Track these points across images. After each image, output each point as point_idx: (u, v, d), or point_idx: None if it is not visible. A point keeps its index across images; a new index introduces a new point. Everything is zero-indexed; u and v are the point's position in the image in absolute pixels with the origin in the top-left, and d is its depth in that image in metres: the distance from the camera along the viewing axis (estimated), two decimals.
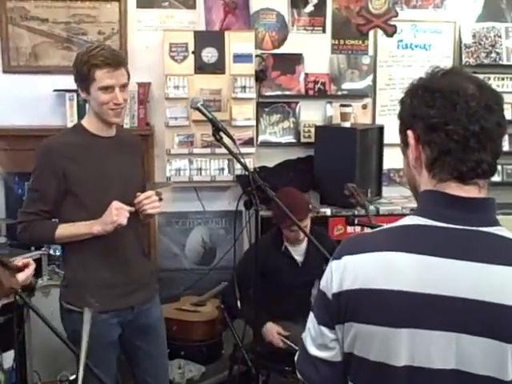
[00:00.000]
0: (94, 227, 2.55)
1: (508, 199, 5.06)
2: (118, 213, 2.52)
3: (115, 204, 2.54)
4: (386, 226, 1.38)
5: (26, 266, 2.20)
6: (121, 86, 2.55)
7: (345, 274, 1.31)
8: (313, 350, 1.38)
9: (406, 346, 1.24)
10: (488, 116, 1.25)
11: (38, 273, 3.47)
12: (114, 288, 2.64)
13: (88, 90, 2.54)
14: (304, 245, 3.59)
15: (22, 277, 2.18)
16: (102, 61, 2.48)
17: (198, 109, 2.65)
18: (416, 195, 1.38)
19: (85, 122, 2.68)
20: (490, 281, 1.22)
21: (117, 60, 2.53)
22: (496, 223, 1.29)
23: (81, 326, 2.59)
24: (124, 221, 2.53)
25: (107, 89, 2.52)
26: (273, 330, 3.38)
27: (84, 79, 2.52)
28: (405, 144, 1.34)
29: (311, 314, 1.41)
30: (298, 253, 3.59)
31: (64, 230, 2.58)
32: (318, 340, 1.37)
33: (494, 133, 1.26)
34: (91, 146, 2.63)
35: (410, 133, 1.31)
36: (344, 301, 1.31)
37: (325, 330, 1.35)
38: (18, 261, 2.22)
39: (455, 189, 1.28)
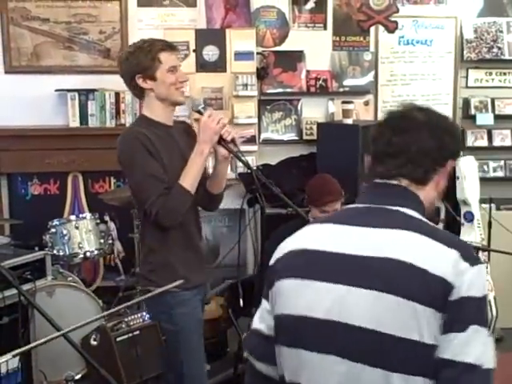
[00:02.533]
0: (203, 152, 2.59)
1: (510, 194, 5.07)
2: (213, 118, 2.58)
3: (205, 118, 2.60)
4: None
5: None
6: (180, 66, 2.75)
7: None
8: (256, 324, 1.57)
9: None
10: (411, 138, 1.48)
11: (41, 273, 3.47)
12: (194, 265, 2.76)
13: (154, 76, 2.65)
14: None
15: None
16: (163, 45, 2.69)
17: (199, 112, 2.68)
18: None
19: (148, 114, 2.74)
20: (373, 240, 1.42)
21: (173, 44, 2.78)
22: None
23: (174, 309, 2.69)
24: (225, 119, 2.62)
25: (173, 70, 2.68)
26: None
27: (149, 67, 2.65)
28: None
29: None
30: None
31: (186, 179, 2.60)
32: (260, 313, 1.57)
33: (414, 153, 1.48)
34: (163, 134, 2.69)
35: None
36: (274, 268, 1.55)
37: (264, 301, 1.56)
38: None
39: None
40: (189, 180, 2.60)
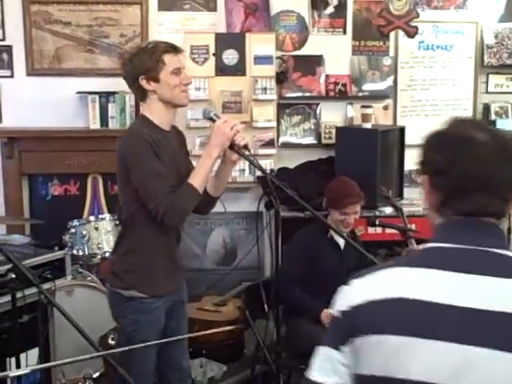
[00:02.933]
0: (213, 155, 2.60)
1: None
2: (227, 124, 2.59)
3: (219, 122, 2.60)
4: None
5: None
6: (184, 68, 2.75)
7: (349, 294, 1.32)
8: (319, 377, 1.31)
9: (422, 358, 1.20)
10: (494, 165, 1.27)
11: (61, 272, 3.51)
12: (169, 272, 2.76)
13: (157, 78, 2.65)
14: (342, 239, 3.59)
15: None
16: (167, 46, 2.68)
17: (210, 119, 2.69)
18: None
19: (148, 115, 2.73)
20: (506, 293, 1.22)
21: (177, 45, 2.75)
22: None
23: (141, 315, 2.66)
24: (239, 126, 2.62)
25: (177, 72, 2.67)
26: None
27: (153, 68, 2.64)
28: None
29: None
30: (341, 242, 3.60)
31: (195, 180, 2.61)
32: (327, 364, 1.31)
33: (503, 182, 1.28)
34: (162, 139, 2.69)
35: (425, 178, 1.35)
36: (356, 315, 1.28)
37: (333, 352, 1.30)
38: None
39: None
40: (198, 180, 2.60)
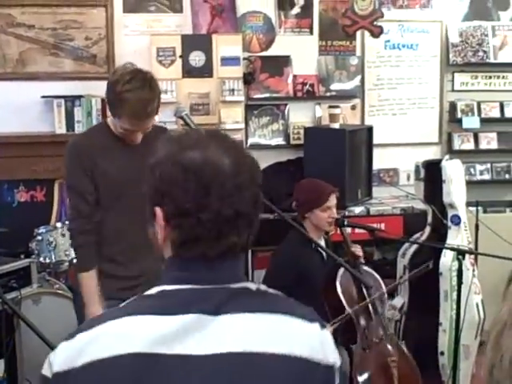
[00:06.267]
0: (90, 309, 2.63)
1: (497, 197, 5.09)
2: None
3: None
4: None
5: None
6: (143, 129, 2.62)
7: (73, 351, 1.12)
8: None
9: None
10: (243, 197, 1.14)
11: (26, 281, 3.45)
12: (119, 280, 2.69)
13: (113, 115, 2.61)
14: (323, 242, 3.58)
15: None
16: (131, 111, 2.50)
17: (181, 118, 2.66)
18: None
19: (111, 124, 2.70)
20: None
21: (145, 112, 2.53)
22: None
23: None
24: None
25: (127, 131, 2.62)
26: None
27: (112, 107, 2.60)
28: (152, 216, 1.17)
29: None
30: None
31: (85, 285, 2.66)
32: None
33: (250, 214, 1.16)
34: (115, 149, 2.66)
35: (158, 211, 1.16)
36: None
37: None
38: None
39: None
40: (83, 284, 2.68)
